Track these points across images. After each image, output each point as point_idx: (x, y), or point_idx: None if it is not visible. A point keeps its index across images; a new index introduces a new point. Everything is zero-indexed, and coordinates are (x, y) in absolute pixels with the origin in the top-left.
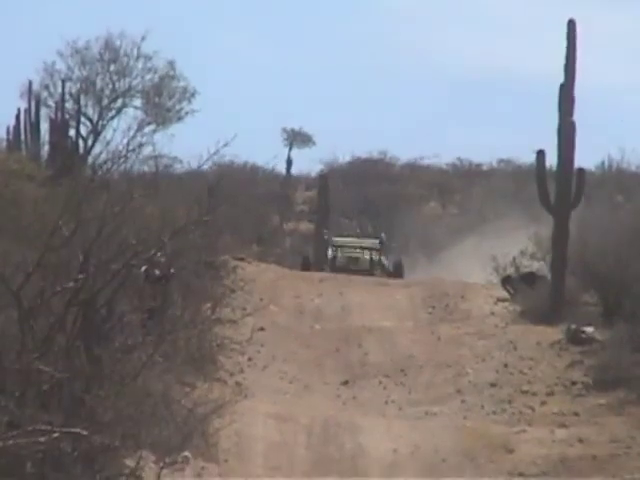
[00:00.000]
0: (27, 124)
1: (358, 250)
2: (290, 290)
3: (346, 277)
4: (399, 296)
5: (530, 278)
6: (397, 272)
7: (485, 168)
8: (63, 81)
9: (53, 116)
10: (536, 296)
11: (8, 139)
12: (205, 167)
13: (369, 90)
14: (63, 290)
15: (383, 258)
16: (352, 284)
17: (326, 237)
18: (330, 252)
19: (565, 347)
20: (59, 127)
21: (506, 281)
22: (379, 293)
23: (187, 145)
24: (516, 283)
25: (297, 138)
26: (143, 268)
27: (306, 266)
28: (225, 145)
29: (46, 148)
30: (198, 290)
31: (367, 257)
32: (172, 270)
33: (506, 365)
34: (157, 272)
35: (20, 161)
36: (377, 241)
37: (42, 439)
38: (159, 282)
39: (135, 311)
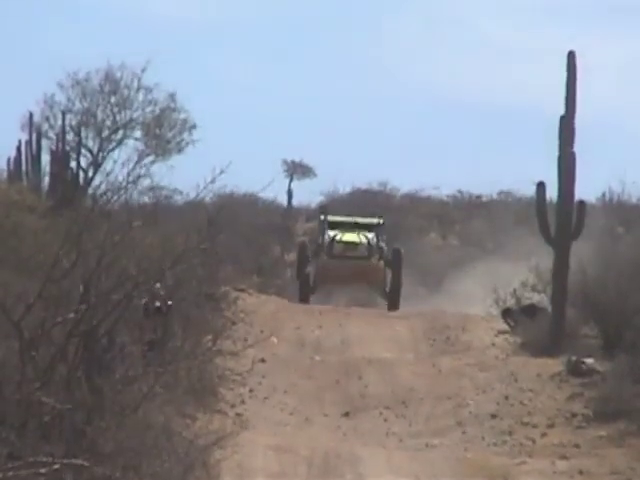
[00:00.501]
0: (28, 156)
1: (355, 231)
2: (290, 322)
3: (346, 309)
4: (399, 328)
5: (530, 310)
6: (396, 261)
7: (485, 200)
8: (63, 113)
9: (54, 148)
10: (536, 328)
11: (9, 170)
12: (206, 198)
13: (370, 121)
14: (64, 321)
15: (382, 243)
16: (352, 316)
17: (322, 218)
18: (327, 236)
19: (565, 379)
20: (60, 159)
21: (506, 313)
22: (379, 325)
23: (187, 176)
24: (516, 315)
25: (297, 170)
26: (143, 301)
27: (302, 252)
28: (221, 173)
29: (47, 179)
30: (199, 322)
31: (365, 242)
32: (170, 302)
33: (507, 397)
34: (157, 303)
35: (21, 192)
36: (375, 220)
37: (43, 470)
38: (157, 314)
39: (136, 342)
